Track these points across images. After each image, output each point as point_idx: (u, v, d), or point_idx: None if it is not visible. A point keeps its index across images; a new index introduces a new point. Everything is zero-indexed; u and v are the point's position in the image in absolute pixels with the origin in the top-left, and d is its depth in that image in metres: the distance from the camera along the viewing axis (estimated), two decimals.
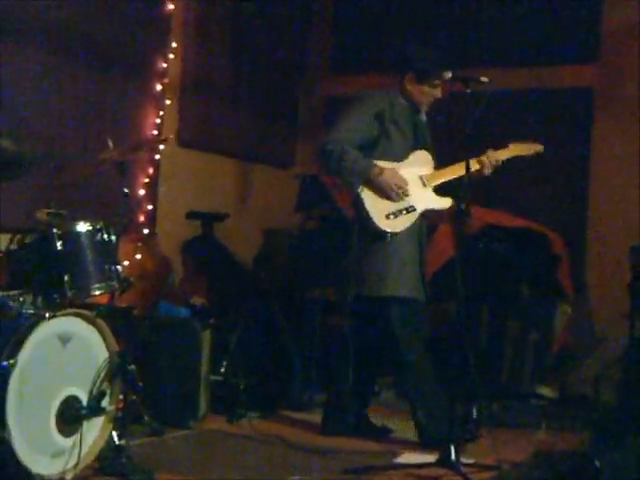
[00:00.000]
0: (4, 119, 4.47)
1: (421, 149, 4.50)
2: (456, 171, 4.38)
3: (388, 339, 4.46)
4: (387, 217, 4.33)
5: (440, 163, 4.55)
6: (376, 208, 4.33)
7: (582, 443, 4.46)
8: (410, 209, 4.37)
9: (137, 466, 3.62)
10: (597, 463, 3.18)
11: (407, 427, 4.64)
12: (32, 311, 3.50)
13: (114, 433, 3.66)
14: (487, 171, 4.47)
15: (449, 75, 4.26)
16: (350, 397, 4.62)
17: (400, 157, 4.43)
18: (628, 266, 5.66)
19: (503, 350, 5.71)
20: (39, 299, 3.61)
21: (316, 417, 4.99)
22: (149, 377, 4.39)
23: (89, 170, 4.29)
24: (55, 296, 3.59)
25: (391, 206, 4.34)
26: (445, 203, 4.45)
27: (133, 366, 3.75)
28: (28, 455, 3.30)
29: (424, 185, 4.43)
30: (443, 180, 4.45)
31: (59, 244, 3.58)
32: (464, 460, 3.92)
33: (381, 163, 4.37)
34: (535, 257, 5.65)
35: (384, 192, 4.33)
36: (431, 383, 4.47)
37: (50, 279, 3.58)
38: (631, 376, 5.51)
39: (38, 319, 3.39)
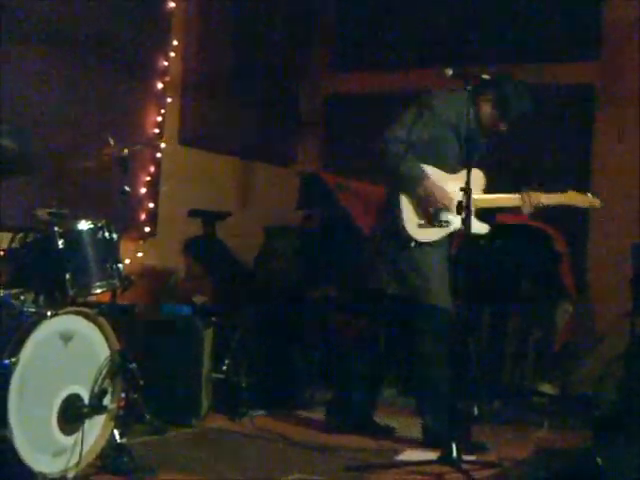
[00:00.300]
0: (5, 117, 4.47)
1: (476, 168, 4.40)
2: (503, 201, 4.41)
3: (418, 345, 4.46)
4: (419, 225, 4.33)
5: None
6: (411, 213, 4.33)
7: (583, 441, 4.46)
8: (445, 224, 4.33)
9: (139, 464, 3.62)
10: (598, 461, 3.18)
11: (409, 424, 4.65)
12: (34, 309, 3.50)
13: (116, 431, 3.66)
14: (526, 210, 4.45)
15: (450, 73, 4.25)
16: (358, 395, 4.61)
17: (450, 168, 4.39)
18: (629, 264, 5.66)
19: (504, 348, 5.71)
20: (41, 297, 3.62)
21: (318, 415, 5.00)
22: (151, 375, 4.37)
23: (90, 168, 4.29)
24: (57, 294, 3.59)
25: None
26: (482, 228, 4.42)
27: (135, 364, 3.74)
28: (30, 454, 3.30)
29: None
30: (487, 206, 4.42)
31: (60, 242, 3.58)
32: (466, 457, 3.92)
33: (433, 172, 4.34)
34: (537, 255, 5.65)
35: (426, 205, 4.32)
36: (443, 387, 4.40)
37: (51, 277, 3.59)
38: (632, 374, 5.51)
39: (40, 317, 3.39)
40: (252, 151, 6.67)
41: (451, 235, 4.42)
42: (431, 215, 4.34)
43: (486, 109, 4.48)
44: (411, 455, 4.17)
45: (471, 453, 4.11)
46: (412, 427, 4.56)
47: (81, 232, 3.67)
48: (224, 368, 4.99)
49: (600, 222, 6.38)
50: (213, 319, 4.98)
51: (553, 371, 6.17)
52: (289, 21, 6.97)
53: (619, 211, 6.31)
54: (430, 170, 4.36)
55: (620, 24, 6.38)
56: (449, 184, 4.33)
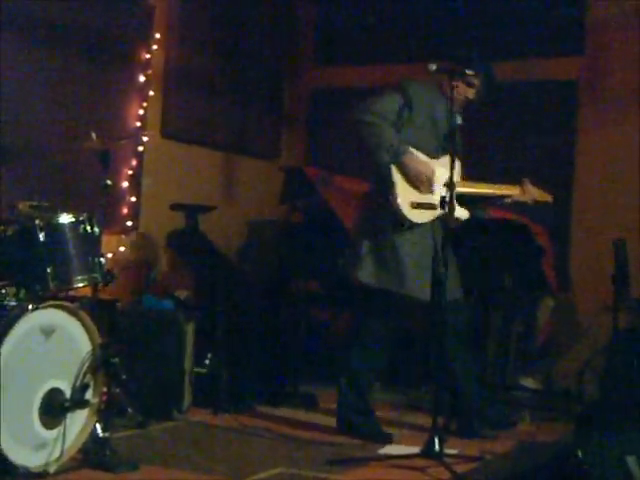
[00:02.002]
0: None
1: (455, 153, 4.42)
2: (483, 188, 4.43)
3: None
4: (411, 205, 4.29)
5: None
6: (403, 193, 4.29)
7: (565, 434, 4.49)
8: (433, 206, 4.31)
9: (121, 458, 3.62)
10: (580, 454, 3.20)
11: (390, 419, 4.66)
12: (14, 303, 3.49)
13: (98, 425, 3.66)
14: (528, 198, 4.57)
15: (434, 68, 4.24)
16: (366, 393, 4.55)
17: (427, 153, 4.38)
18: (611, 259, 5.69)
19: (487, 342, 5.72)
20: (21, 291, 3.60)
21: (300, 409, 5.01)
22: (133, 369, 4.38)
23: (72, 161, 4.27)
24: (38, 288, 3.58)
25: (417, 196, 4.31)
26: (463, 214, 4.41)
27: (116, 358, 3.73)
28: (11, 447, 3.29)
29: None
30: (468, 191, 4.42)
31: (41, 236, 3.56)
32: (447, 451, 3.93)
33: (417, 152, 4.34)
34: (519, 249, 5.66)
35: (415, 180, 4.30)
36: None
37: (33, 271, 3.57)
38: (614, 368, 5.54)
39: (21, 311, 3.38)
40: (235, 145, 6.65)
41: (433, 223, 4.40)
42: (425, 185, 4.30)
43: (444, 81, 4.43)
44: (393, 449, 4.18)
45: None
46: (395, 421, 4.57)
47: (62, 226, 3.65)
48: (206, 362, 4.98)
49: (582, 217, 6.41)
50: (195, 313, 4.97)
51: (535, 365, 6.20)
52: (273, 15, 6.95)
53: (602, 207, 6.34)
54: (412, 149, 4.35)
55: (603, 19, 6.40)
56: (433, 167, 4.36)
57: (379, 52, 6.93)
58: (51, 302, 3.52)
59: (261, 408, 5.01)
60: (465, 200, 4.38)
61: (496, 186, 4.51)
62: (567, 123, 6.51)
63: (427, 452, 3.89)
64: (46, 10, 4.98)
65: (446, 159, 4.25)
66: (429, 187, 4.32)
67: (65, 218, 3.66)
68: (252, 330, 5.35)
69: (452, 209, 4.00)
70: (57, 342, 3.50)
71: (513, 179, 4.60)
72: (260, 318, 5.51)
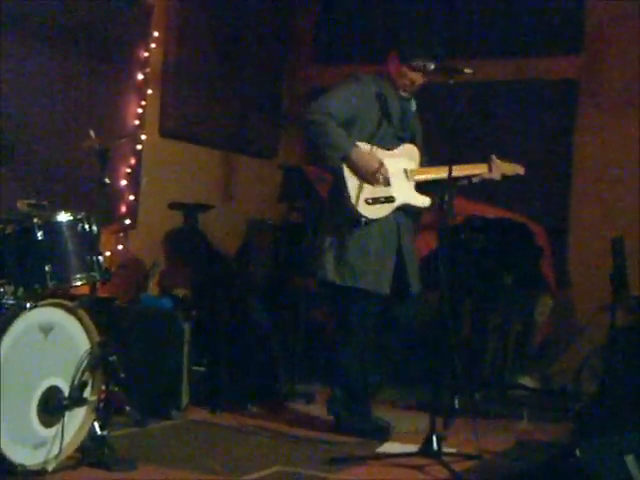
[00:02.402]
0: None
1: (410, 141, 4.47)
2: (440, 172, 4.33)
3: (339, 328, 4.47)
4: (366, 202, 4.28)
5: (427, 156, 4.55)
6: (356, 190, 4.28)
7: (563, 433, 4.49)
8: (390, 199, 4.32)
9: (119, 457, 3.62)
10: (578, 453, 3.20)
11: (388, 417, 4.65)
12: (13, 301, 3.48)
13: (96, 424, 3.65)
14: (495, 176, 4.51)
15: (432, 66, 4.24)
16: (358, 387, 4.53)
17: (382, 145, 4.38)
18: (610, 258, 5.69)
19: (485, 341, 5.73)
20: (20, 290, 3.59)
21: (299, 408, 5.01)
22: (131, 368, 4.38)
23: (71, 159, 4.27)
24: (36, 287, 3.57)
25: (371, 191, 4.30)
26: (424, 202, 4.41)
27: (115, 357, 3.73)
28: (9, 446, 3.29)
29: (407, 179, 4.40)
30: (427, 177, 4.41)
31: (40, 234, 3.56)
32: (446, 449, 3.93)
33: (364, 146, 4.33)
34: (517, 248, 5.66)
35: (365, 176, 4.27)
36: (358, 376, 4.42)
37: (31, 270, 3.57)
38: (612, 367, 5.54)
39: (19, 309, 3.38)
40: (234, 143, 6.65)
41: (401, 211, 4.40)
42: (377, 178, 4.28)
43: (391, 65, 4.45)
44: (392, 447, 4.18)
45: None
46: (393, 420, 4.57)
47: (61, 224, 3.65)
48: (205, 361, 4.98)
49: (581, 216, 6.42)
50: (194, 312, 4.97)
51: (533, 364, 6.20)
52: (272, 13, 6.95)
53: (600, 205, 6.34)
54: (362, 144, 4.33)
55: (602, 18, 6.40)
56: (386, 160, 4.33)
57: (376, 51, 6.92)
58: (49, 300, 3.52)
59: (259, 407, 5.00)
60: (429, 187, 4.39)
61: (461, 167, 4.40)
62: (565, 122, 6.51)
63: (425, 451, 3.89)
64: (44, 9, 4.98)
65: (400, 149, 4.32)
66: (383, 180, 4.30)
67: (63, 217, 3.66)
68: (250, 329, 5.35)
69: (451, 209, 4.01)
70: (55, 340, 3.50)
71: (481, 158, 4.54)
72: (258, 317, 5.50)
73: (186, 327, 4.78)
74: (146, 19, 5.78)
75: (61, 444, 3.46)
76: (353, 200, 4.26)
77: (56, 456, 3.46)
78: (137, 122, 5.71)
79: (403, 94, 4.45)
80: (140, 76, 5.74)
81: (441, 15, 6.76)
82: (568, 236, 6.45)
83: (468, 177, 4.47)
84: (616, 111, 6.37)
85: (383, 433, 4.38)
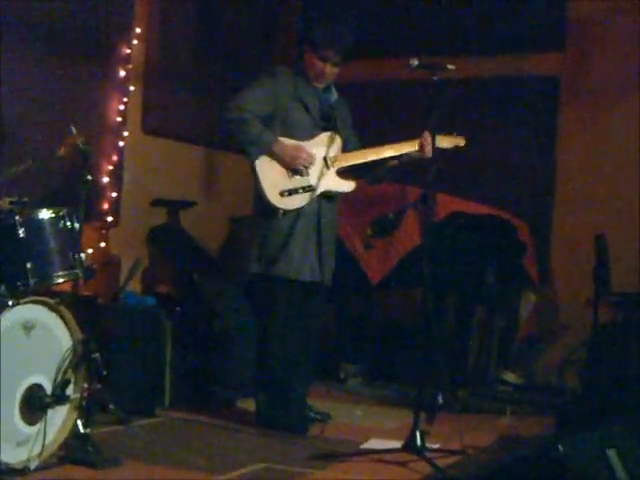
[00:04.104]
0: None
1: (331, 130, 4.48)
2: (364, 156, 4.43)
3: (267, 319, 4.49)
4: (281, 194, 4.33)
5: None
6: (271, 183, 4.34)
7: (546, 429, 4.50)
8: (308, 188, 4.37)
9: (102, 454, 3.60)
10: (560, 448, 3.21)
11: (372, 414, 4.66)
12: None
13: (79, 421, 3.64)
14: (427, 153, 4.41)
15: (416, 63, 4.24)
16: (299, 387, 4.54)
17: (303, 136, 4.42)
18: (592, 253, 5.72)
19: (469, 337, 5.74)
20: (1, 287, 3.56)
21: None
22: (114, 365, 4.36)
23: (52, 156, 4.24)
24: (18, 284, 3.54)
25: (287, 183, 4.35)
26: (347, 187, 4.47)
27: (97, 354, 3.71)
28: None
29: (327, 167, 4.42)
30: (348, 163, 4.46)
31: (21, 231, 3.53)
32: (429, 445, 3.94)
33: (285, 139, 4.38)
34: (501, 244, 5.68)
35: (291, 166, 4.34)
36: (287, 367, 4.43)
37: (12, 267, 3.54)
38: (595, 362, 5.57)
39: (1, 307, 3.35)
40: (217, 140, 6.63)
41: (322, 198, 4.42)
42: (296, 172, 4.34)
43: (305, 56, 4.48)
44: (375, 444, 4.19)
45: None
46: (375, 416, 4.57)
47: (42, 221, 3.62)
48: (188, 358, 4.97)
49: (564, 212, 6.44)
50: (177, 309, 4.96)
51: (517, 360, 6.22)
52: (255, 9, 6.93)
53: (583, 202, 6.37)
54: (282, 138, 4.38)
55: (585, 16, 6.43)
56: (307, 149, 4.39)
57: (364, 48, 6.92)
58: (31, 298, 3.50)
59: (243, 403, 5.00)
60: (360, 171, 4.45)
61: (389, 146, 4.44)
62: (548, 119, 6.53)
63: (409, 447, 3.90)
64: (24, 5, 4.94)
65: (320, 138, 4.39)
66: (304, 170, 4.36)
67: (45, 214, 3.63)
68: (233, 325, 5.33)
69: (432, 206, 4.02)
70: (38, 338, 3.48)
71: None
72: (241, 313, 5.49)
73: (168, 324, 4.77)
74: (128, 15, 5.75)
75: (44, 442, 3.45)
76: (267, 193, 4.32)
77: (39, 454, 3.44)
78: (119, 119, 5.68)
79: (317, 85, 4.49)
80: (122, 72, 5.70)
81: (424, 12, 6.77)
82: (551, 232, 6.47)
83: (396, 157, 4.48)
84: (599, 108, 6.40)
85: (305, 425, 4.38)
